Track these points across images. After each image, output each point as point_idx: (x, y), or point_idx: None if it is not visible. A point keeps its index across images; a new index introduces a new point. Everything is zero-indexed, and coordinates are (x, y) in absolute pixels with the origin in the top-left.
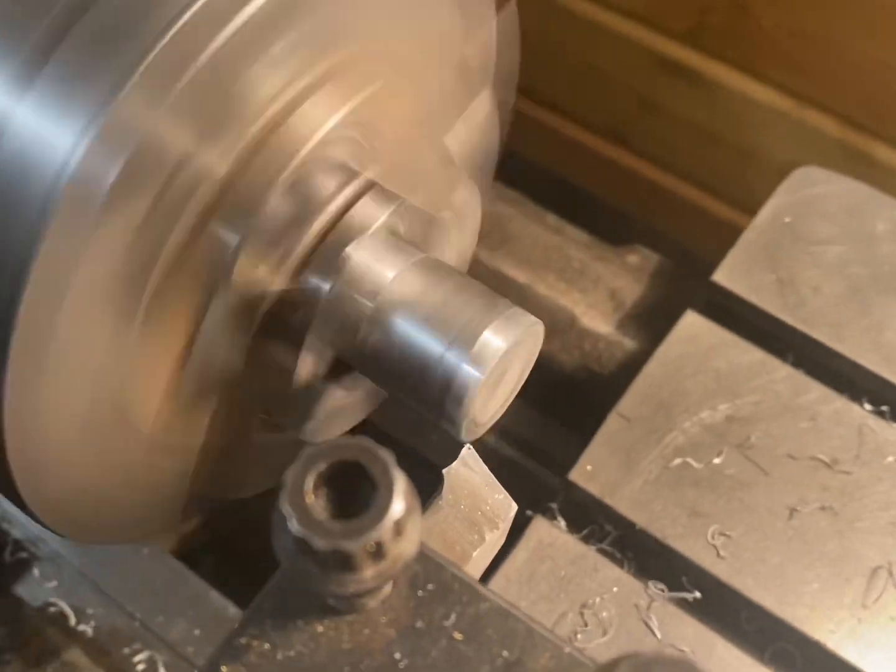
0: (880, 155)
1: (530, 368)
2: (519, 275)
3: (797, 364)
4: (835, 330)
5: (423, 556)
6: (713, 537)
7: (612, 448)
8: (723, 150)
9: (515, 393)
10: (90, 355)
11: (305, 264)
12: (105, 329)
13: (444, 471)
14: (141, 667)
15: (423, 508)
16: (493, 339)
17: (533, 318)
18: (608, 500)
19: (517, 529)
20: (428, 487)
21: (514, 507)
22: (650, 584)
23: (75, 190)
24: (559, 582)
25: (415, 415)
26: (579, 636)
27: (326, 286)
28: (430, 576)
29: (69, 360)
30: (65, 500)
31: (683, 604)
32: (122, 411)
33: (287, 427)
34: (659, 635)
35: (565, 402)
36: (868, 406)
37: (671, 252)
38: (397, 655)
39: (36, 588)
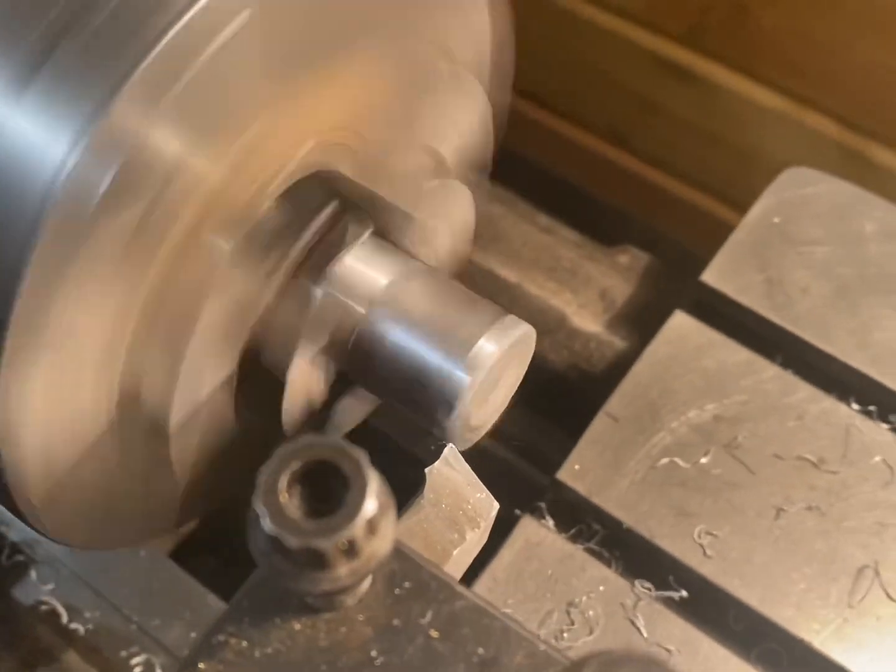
0: (879, 156)
1: (522, 375)
2: (509, 274)
3: (785, 364)
4: (823, 330)
5: (401, 555)
6: (700, 536)
7: (599, 447)
8: (722, 151)
9: (508, 400)
10: (82, 365)
11: (298, 271)
12: (97, 338)
13: (426, 469)
14: (138, 670)
15: (406, 507)
16: (487, 346)
17: (526, 325)
18: (595, 500)
19: (507, 528)
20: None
21: (496, 506)
22: (637, 583)
23: (67, 198)
24: (546, 581)
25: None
26: (566, 635)
27: (319, 293)
28: (408, 574)
29: (61, 370)
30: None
31: (670, 603)
32: (114, 421)
33: (287, 434)
34: (645, 634)
35: (555, 402)
36: (855, 406)
37: (671, 252)
38: (374, 653)
39: (32, 591)
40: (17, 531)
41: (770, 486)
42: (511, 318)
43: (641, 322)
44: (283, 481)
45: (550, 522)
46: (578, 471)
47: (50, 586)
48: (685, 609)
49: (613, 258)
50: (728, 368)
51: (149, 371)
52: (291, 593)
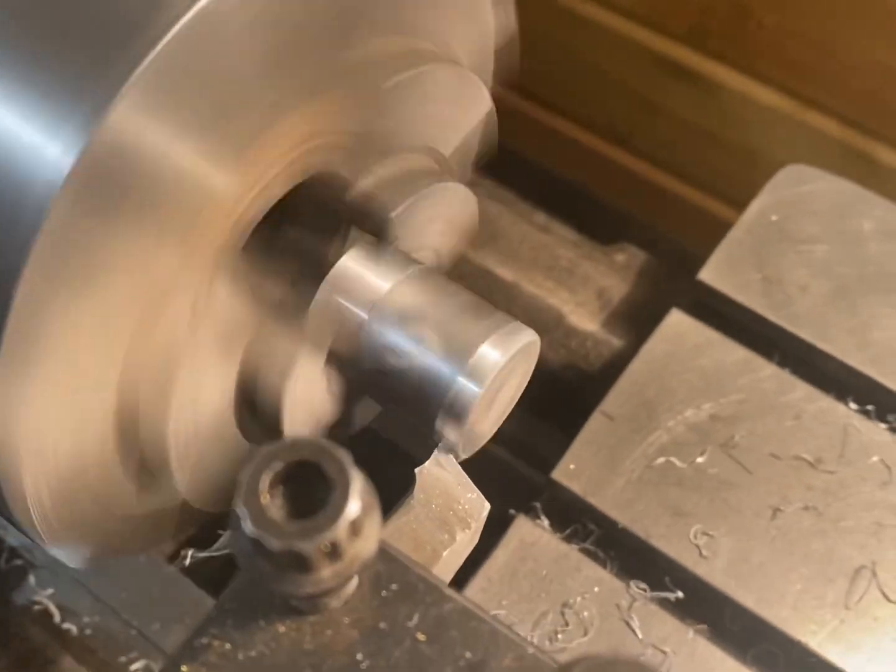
0: (881, 156)
1: (526, 382)
2: (506, 273)
3: (783, 363)
4: (821, 329)
5: (387, 557)
6: (696, 537)
7: (595, 447)
8: (723, 151)
9: (511, 408)
10: (80, 373)
11: (301, 275)
12: (97, 349)
13: (416, 470)
14: None
15: (396, 507)
16: (491, 353)
17: (531, 332)
18: (591, 499)
19: (501, 528)
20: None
21: (487, 506)
22: (632, 583)
23: (66, 200)
24: (541, 581)
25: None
26: (560, 636)
27: (322, 298)
28: (394, 576)
29: (58, 384)
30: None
31: (665, 604)
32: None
33: None
34: (640, 635)
35: (552, 401)
36: (853, 405)
37: (671, 252)
38: (359, 656)
39: (31, 595)
40: (16, 535)
41: (767, 485)
42: (516, 324)
43: (639, 321)
44: (265, 482)
45: (545, 522)
46: (574, 470)
47: (49, 591)
48: (681, 610)
49: (611, 257)
50: (725, 367)
51: (146, 379)
52: (278, 595)
